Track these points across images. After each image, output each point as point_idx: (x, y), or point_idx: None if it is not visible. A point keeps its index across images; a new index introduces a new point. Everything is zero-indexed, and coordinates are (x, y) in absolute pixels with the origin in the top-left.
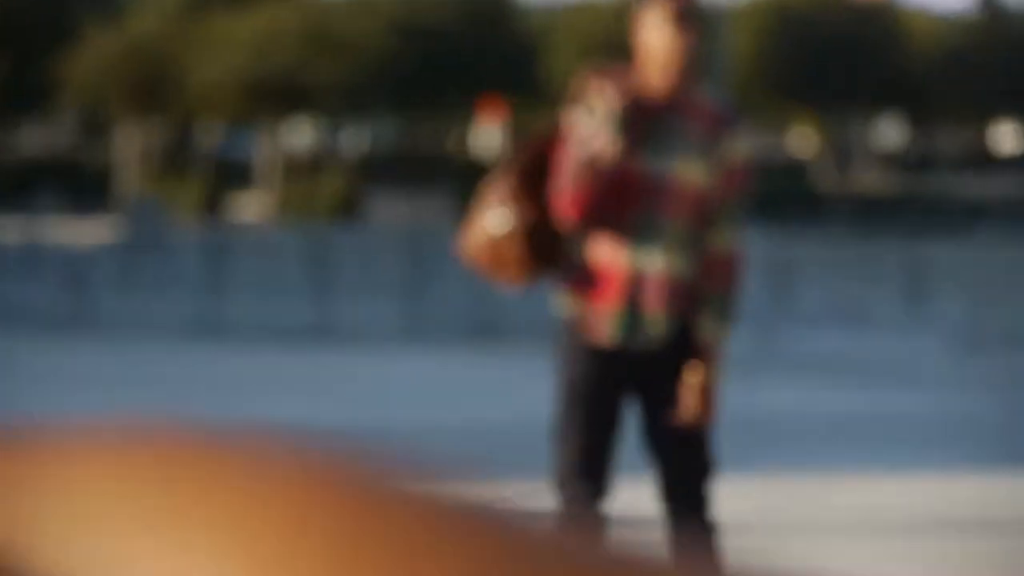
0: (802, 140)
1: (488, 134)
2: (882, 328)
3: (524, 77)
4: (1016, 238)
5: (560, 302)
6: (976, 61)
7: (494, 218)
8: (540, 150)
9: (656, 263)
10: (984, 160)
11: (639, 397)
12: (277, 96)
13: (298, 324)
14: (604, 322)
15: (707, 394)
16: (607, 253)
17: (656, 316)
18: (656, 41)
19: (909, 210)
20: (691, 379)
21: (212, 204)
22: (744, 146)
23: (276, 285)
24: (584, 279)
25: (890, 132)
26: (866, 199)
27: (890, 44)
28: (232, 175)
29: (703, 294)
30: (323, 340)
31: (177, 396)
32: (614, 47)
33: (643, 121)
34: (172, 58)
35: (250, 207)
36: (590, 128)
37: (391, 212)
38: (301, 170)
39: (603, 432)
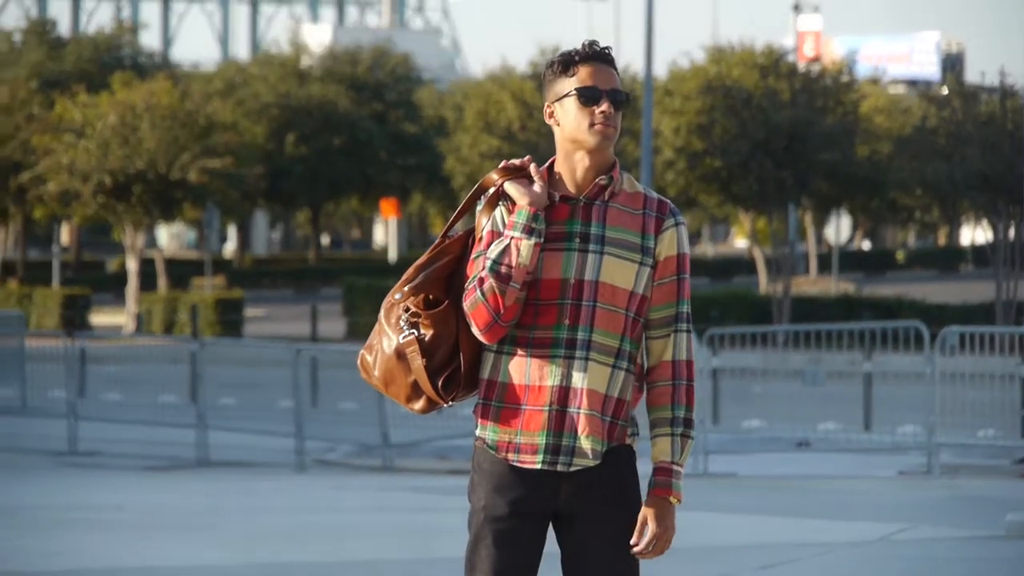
0: (742, 237)
1: (387, 233)
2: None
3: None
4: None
5: (477, 423)
6: (941, 145)
7: (391, 329)
8: (449, 255)
9: (582, 378)
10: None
11: (563, 525)
12: (144, 193)
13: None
14: (525, 445)
15: (661, 526)
16: (526, 370)
17: (584, 436)
18: (573, 125)
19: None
20: (646, 509)
21: (71, 315)
22: (682, 242)
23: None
24: (501, 399)
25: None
26: (811, 301)
27: (845, 128)
28: (94, 281)
29: (655, 411)
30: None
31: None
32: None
33: (561, 221)
34: (21, 151)
35: (114, 317)
36: (502, 233)
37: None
38: (171, 275)
39: (516, 560)
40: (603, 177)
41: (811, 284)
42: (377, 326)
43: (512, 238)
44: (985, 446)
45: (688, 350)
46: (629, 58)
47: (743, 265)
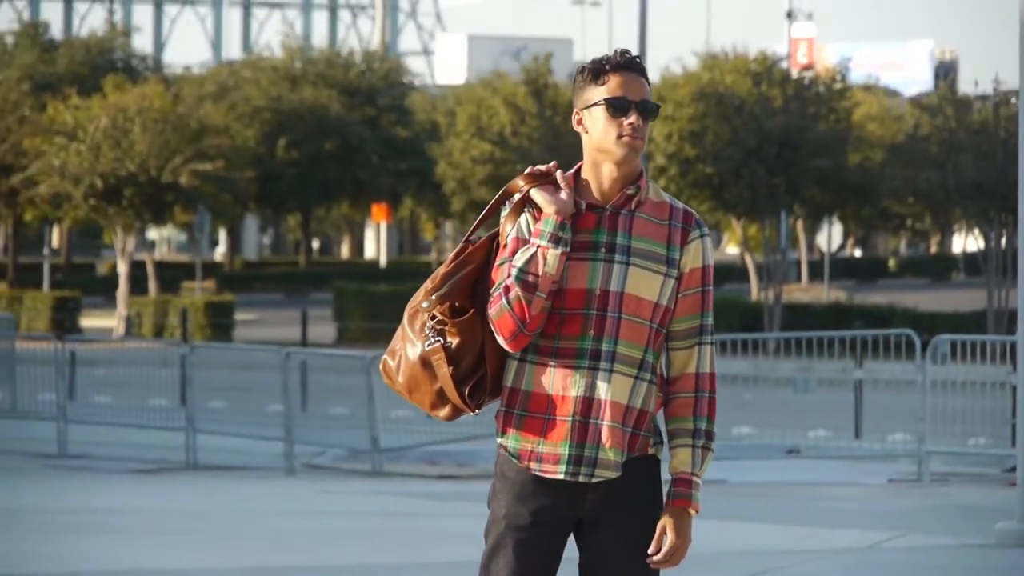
0: (734, 244)
1: (378, 237)
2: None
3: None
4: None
5: (499, 431)
6: (934, 153)
7: (416, 336)
8: (473, 262)
9: (606, 389)
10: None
11: (586, 530)
12: (135, 196)
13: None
14: (548, 454)
15: (679, 536)
16: (550, 379)
17: (607, 447)
18: (601, 135)
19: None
20: (665, 519)
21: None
22: (707, 254)
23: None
24: (524, 407)
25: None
26: (802, 309)
27: (837, 135)
28: (85, 284)
29: (675, 422)
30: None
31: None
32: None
33: (587, 231)
34: (12, 153)
35: (105, 320)
36: (527, 240)
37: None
38: (161, 279)
39: (535, 570)
40: (630, 187)
41: (802, 291)
42: (400, 331)
43: (539, 247)
44: (975, 454)
45: (711, 363)
46: None
47: (734, 272)
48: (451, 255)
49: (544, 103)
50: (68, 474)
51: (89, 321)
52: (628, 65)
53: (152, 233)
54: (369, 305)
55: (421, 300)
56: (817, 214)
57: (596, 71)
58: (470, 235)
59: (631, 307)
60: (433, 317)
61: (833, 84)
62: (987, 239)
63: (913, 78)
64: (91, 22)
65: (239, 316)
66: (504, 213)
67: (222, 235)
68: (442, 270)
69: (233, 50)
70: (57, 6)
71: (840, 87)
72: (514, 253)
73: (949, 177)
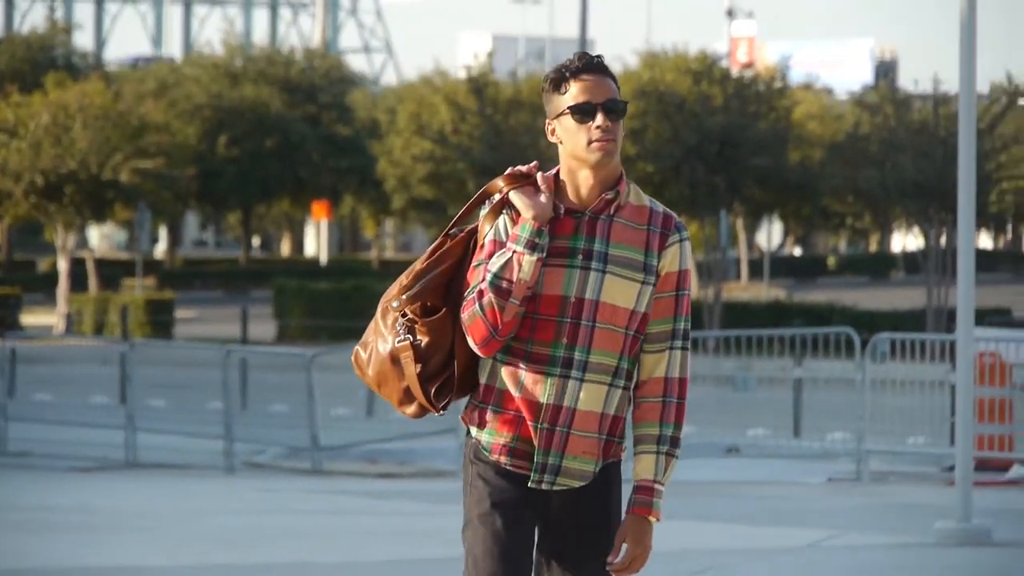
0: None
1: (318, 235)
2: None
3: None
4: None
5: (475, 424)
6: (874, 152)
7: (387, 332)
8: (449, 259)
9: (576, 398)
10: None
11: (544, 531)
12: (75, 194)
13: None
14: (520, 450)
15: (639, 544)
16: (520, 383)
17: (574, 457)
18: (573, 143)
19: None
20: (625, 526)
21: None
22: (684, 258)
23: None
24: (499, 404)
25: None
26: (742, 307)
27: (777, 133)
28: (25, 281)
29: (641, 427)
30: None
31: None
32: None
33: (565, 236)
34: None
35: (45, 317)
36: (504, 243)
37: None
38: (102, 276)
39: (518, 548)
40: (609, 192)
41: (742, 290)
42: (373, 324)
43: (514, 252)
44: (914, 453)
45: (683, 368)
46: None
47: None
48: (428, 250)
49: (485, 101)
50: (8, 472)
51: (29, 318)
52: (588, 68)
53: (93, 231)
54: (309, 303)
55: (393, 298)
56: (757, 212)
57: (557, 80)
58: (448, 231)
59: (606, 315)
60: (404, 314)
61: (773, 82)
62: (926, 238)
63: (853, 77)
64: (32, 19)
65: (179, 314)
66: (483, 212)
67: (162, 232)
68: (416, 267)
69: (174, 47)
70: None
71: (780, 85)
72: (491, 256)
73: (889, 176)
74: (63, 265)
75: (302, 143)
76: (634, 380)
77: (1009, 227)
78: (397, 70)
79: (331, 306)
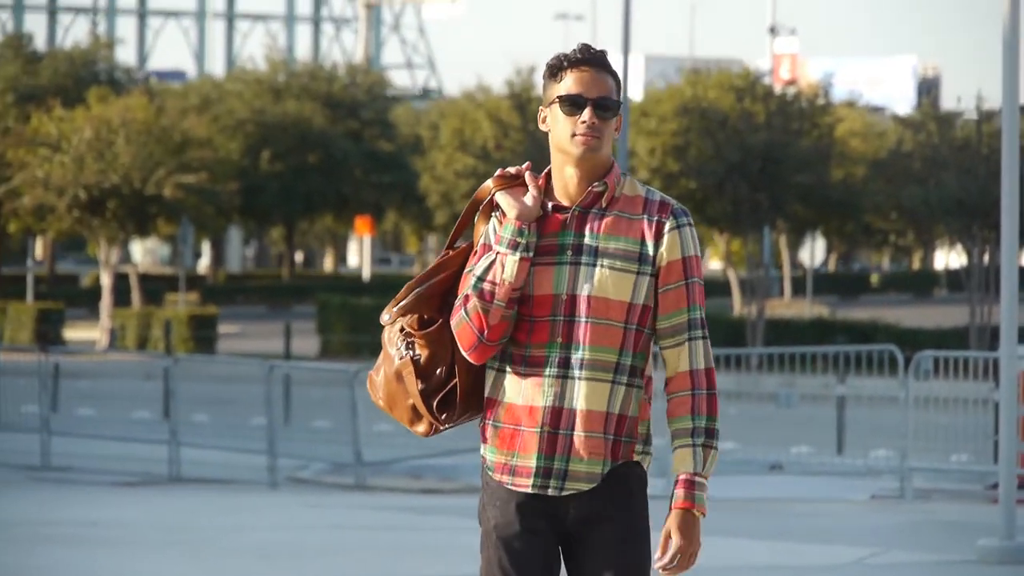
0: (717, 259)
1: (361, 250)
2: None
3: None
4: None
5: (481, 441)
6: (917, 169)
7: (391, 348)
8: (448, 269)
9: (577, 398)
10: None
11: (569, 546)
12: (118, 208)
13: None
14: (520, 467)
15: (685, 538)
16: (520, 390)
17: (579, 459)
18: (558, 133)
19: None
20: (668, 523)
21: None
22: (686, 244)
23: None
24: (498, 419)
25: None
26: (785, 324)
27: (820, 150)
28: (68, 296)
29: (674, 423)
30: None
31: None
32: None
33: (554, 233)
34: None
35: (88, 332)
36: (493, 247)
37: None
38: (145, 291)
39: None
40: (597, 184)
41: (785, 307)
42: (382, 348)
43: (498, 253)
44: (958, 471)
45: (706, 358)
46: None
47: (717, 287)
48: (431, 265)
49: (527, 117)
50: (51, 486)
51: (73, 333)
52: (586, 60)
53: (136, 245)
54: (352, 318)
55: (385, 312)
56: (800, 229)
57: (554, 68)
58: (450, 244)
59: (599, 310)
60: (403, 330)
61: (816, 99)
62: (969, 255)
63: (896, 94)
64: (75, 34)
65: (222, 329)
66: (476, 218)
67: (205, 247)
68: (410, 282)
69: (217, 63)
70: (41, 18)
71: (823, 103)
72: (479, 260)
73: (932, 193)
74: (106, 280)
75: (345, 159)
76: (646, 376)
77: None
78: (440, 85)
79: (374, 321)
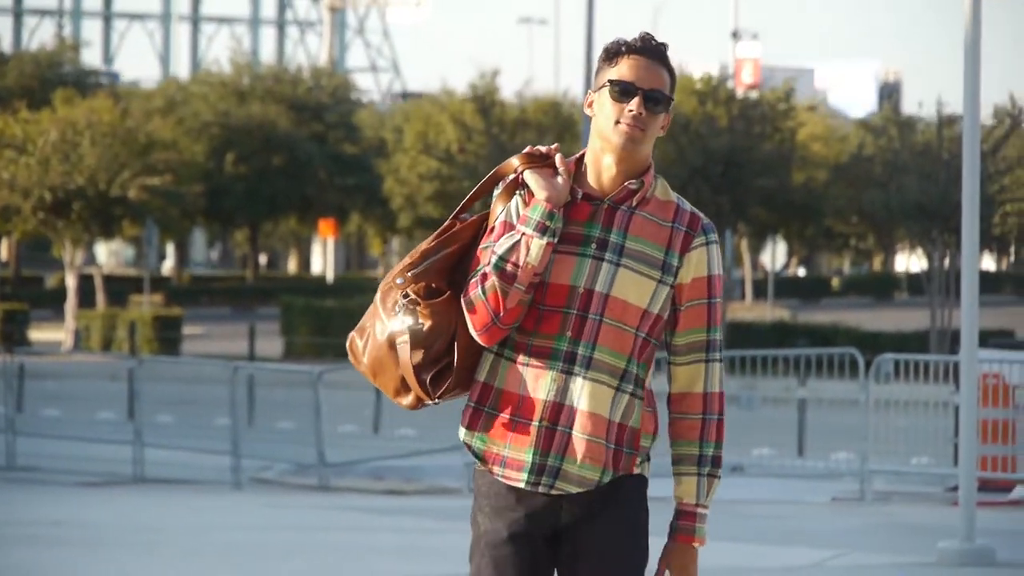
0: None
1: (325, 254)
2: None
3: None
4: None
5: (465, 426)
6: (878, 173)
7: (386, 314)
8: (458, 242)
9: (580, 397)
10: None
11: (558, 551)
12: (83, 210)
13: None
14: (512, 459)
15: (684, 573)
16: (521, 379)
17: (575, 460)
18: (602, 119)
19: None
20: (667, 554)
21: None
22: (712, 262)
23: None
24: (494, 406)
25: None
26: (746, 327)
27: (782, 154)
28: (33, 297)
29: (680, 446)
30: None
31: None
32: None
33: (580, 222)
34: None
35: (53, 333)
36: (515, 225)
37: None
38: (110, 292)
39: None
40: (633, 181)
41: (746, 310)
42: (372, 308)
43: (523, 234)
44: (918, 473)
45: (720, 382)
46: (568, 82)
47: None
48: (436, 232)
49: (491, 120)
50: (16, 486)
51: (38, 334)
52: (646, 50)
53: (100, 247)
54: (316, 320)
55: (396, 276)
56: (761, 233)
57: (612, 52)
58: (458, 213)
59: (616, 312)
60: (406, 296)
61: (778, 104)
62: (930, 259)
63: (857, 98)
64: (40, 36)
65: (187, 330)
66: (496, 193)
67: (170, 249)
68: (422, 246)
69: (182, 65)
70: (7, 20)
71: (785, 107)
72: (500, 238)
73: (892, 197)
74: (71, 281)
75: (309, 161)
76: (646, 389)
77: (1012, 249)
78: (404, 88)
79: (338, 323)
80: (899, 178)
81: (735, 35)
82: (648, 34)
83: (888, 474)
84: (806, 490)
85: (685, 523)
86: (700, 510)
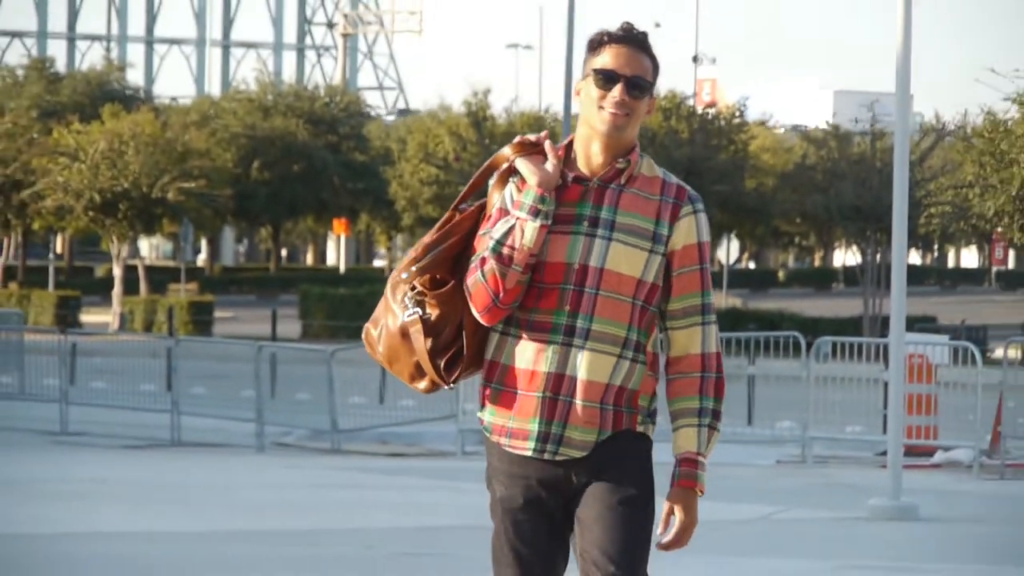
0: None
1: (338, 248)
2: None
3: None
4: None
5: (480, 403)
6: (819, 180)
7: (396, 307)
8: (458, 233)
9: (580, 367)
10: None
11: (574, 506)
12: (128, 210)
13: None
14: (517, 430)
15: (688, 515)
16: (524, 353)
17: (575, 426)
18: (588, 106)
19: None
20: (672, 500)
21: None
22: (701, 230)
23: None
24: (500, 381)
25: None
26: None
27: (736, 164)
28: (84, 285)
29: (679, 402)
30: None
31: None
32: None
33: (571, 203)
34: (22, 171)
35: (102, 316)
36: (510, 212)
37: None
38: (151, 281)
39: (537, 552)
40: (620, 160)
41: None
42: (383, 302)
43: (518, 219)
44: (852, 440)
45: (716, 342)
46: (550, 100)
47: None
48: (437, 224)
49: (483, 133)
50: (68, 449)
51: (88, 317)
52: (627, 39)
53: (143, 242)
54: (330, 306)
55: (403, 270)
56: (717, 232)
57: (596, 42)
58: (458, 204)
59: (611, 283)
60: (413, 288)
61: (733, 119)
62: (864, 255)
63: (803, 114)
64: (91, 58)
65: (218, 314)
66: (491, 182)
67: (203, 244)
68: (425, 240)
69: (215, 84)
70: (61, 43)
71: (739, 122)
72: (496, 224)
73: (832, 201)
74: (117, 271)
75: (324, 168)
76: (649, 353)
77: (935, 246)
78: (407, 104)
79: (349, 308)
80: (837, 184)
81: (695, 59)
82: (629, 23)
83: (826, 440)
84: (754, 454)
85: (687, 469)
86: (700, 459)
